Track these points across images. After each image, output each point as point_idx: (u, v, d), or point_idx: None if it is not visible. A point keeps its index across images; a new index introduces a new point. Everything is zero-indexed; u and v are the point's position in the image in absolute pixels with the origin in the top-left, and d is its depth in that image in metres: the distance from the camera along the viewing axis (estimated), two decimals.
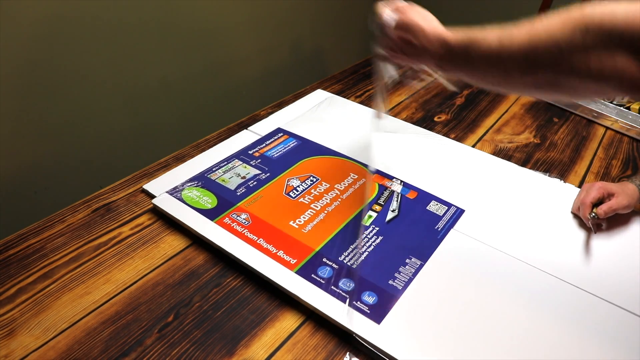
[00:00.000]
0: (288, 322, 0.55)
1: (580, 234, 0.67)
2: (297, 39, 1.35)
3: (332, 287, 0.57)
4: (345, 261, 0.60)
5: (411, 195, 0.72)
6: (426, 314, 0.55)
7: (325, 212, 0.68)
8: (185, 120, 1.11)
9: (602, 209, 0.65)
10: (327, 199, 0.70)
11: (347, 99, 0.99)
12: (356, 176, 0.75)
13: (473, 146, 0.88)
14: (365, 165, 0.77)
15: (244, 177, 0.74)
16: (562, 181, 0.78)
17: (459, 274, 0.60)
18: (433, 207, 0.70)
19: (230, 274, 0.60)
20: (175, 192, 0.70)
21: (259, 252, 0.61)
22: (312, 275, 0.58)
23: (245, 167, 0.76)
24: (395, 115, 0.95)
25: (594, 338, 0.53)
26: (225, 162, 0.77)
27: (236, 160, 0.78)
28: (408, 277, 0.59)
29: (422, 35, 0.53)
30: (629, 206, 0.66)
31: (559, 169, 0.83)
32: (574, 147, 0.90)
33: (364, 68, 1.14)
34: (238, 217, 0.66)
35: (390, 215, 0.68)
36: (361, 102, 0.99)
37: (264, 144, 0.82)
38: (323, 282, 0.57)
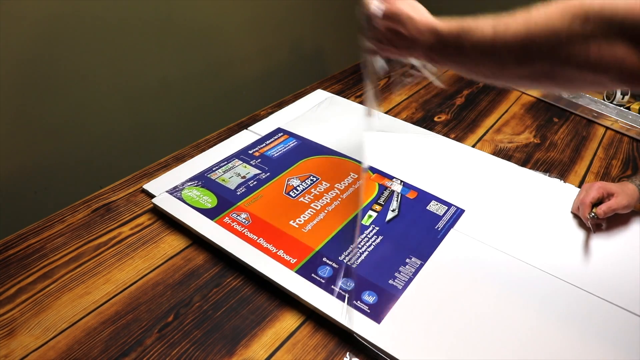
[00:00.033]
0: (288, 322, 0.55)
1: (580, 234, 0.67)
2: (297, 39, 1.35)
3: (332, 286, 0.57)
4: (345, 261, 0.60)
5: (411, 195, 0.72)
6: (426, 314, 0.55)
7: (325, 211, 0.68)
8: (185, 120, 1.11)
9: (601, 209, 0.65)
10: (327, 199, 0.70)
11: (347, 99, 0.99)
12: (356, 176, 0.75)
13: (473, 146, 0.88)
14: (361, 163, 0.77)
15: (244, 177, 0.74)
16: (562, 181, 0.78)
17: (459, 273, 0.60)
18: (433, 207, 0.70)
19: (230, 274, 0.60)
20: (175, 191, 0.70)
21: (259, 251, 0.61)
22: (312, 275, 0.58)
23: (245, 167, 0.76)
24: (395, 115, 0.95)
25: (593, 338, 0.53)
26: (225, 162, 0.77)
27: (236, 159, 0.78)
28: (408, 277, 0.59)
29: (411, 25, 0.51)
30: (628, 206, 0.66)
31: (559, 169, 0.83)
32: (574, 147, 0.90)
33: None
34: (238, 217, 0.66)
35: (390, 215, 0.68)
36: (361, 102, 0.99)
37: (264, 144, 0.82)
38: (323, 281, 0.57)
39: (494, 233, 0.66)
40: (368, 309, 0.54)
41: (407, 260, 0.61)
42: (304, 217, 0.66)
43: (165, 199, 0.68)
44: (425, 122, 0.95)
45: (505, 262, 0.62)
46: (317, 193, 0.71)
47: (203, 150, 0.81)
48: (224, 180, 0.73)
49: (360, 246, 0.62)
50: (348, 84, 1.07)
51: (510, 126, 0.95)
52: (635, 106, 1.00)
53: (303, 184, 0.73)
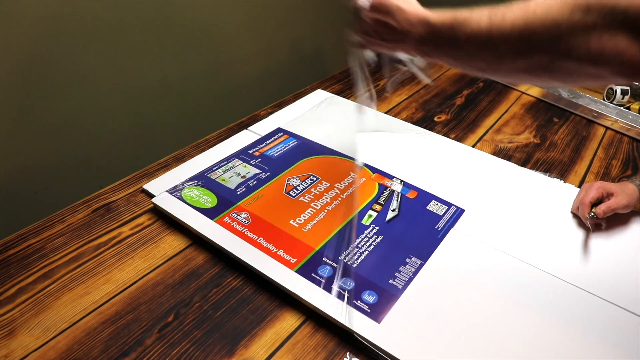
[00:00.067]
0: (288, 322, 0.55)
1: (580, 234, 0.67)
2: (297, 39, 1.35)
3: (332, 286, 0.57)
4: (345, 260, 0.60)
5: (411, 194, 0.72)
6: (426, 313, 0.55)
7: (325, 211, 0.68)
8: (185, 120, 1.11)
9: (600, 209, 0.65)
10: (327, 198, 0.70)
11: (347, 99, 0.99)
12: (356, 175, 0.75)
13: (473, 146, 0.88)
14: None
15: (244, 177, 0.74)
16: (562, 181, 0.78)
17: (459, 273, 0.60)
18: (433, 206, 0.70)
19: (230, 274, 0.60)
20: (175, 191, 0.70)
21: (259, 251, 0.61)
22: (312, 275, 0.58)
23: (245, 167, 0.76)
24: (395, 115, 0.95)
25: (593, 338, 0.53)
26: (225, 162, 0.77)
27: (236, 159, 0.78)
28: (408, 277, 0.59)
29: (401, 16, 0.48)
30: (628, 206, 0.66)
31: (559, 169, 0.83)
32: (574, 147, 0.90)
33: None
34: (238, 216, 0.66)
35: (390, 215, 0.68)
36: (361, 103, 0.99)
37: (264, 144, 0.82)
38: (323, 281, 0.57)
39: (494, 233, 0.66)
40: (368, 308, 0.54)
41: (407, 260, 0.61)
42: (304, 216, 0.66)
43: (165, 199, 0.68)
44: (425, 122, 0.95)
45: (505, 262, 0.62)
46: (317, 193, 0.71)
47: (203, 150, 0.81)
48: (224, 180, 0.73)
49: (360, 246, 0.62)
50: (348, 84, 1.07)
51: (510, 126, 0.95)
52: (635, 106, 1.00)
53: (303, 183, 0.73)
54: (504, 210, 0.71)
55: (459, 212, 0.69)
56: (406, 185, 0.74)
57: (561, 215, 0.70)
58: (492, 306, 0.56)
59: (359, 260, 0.60)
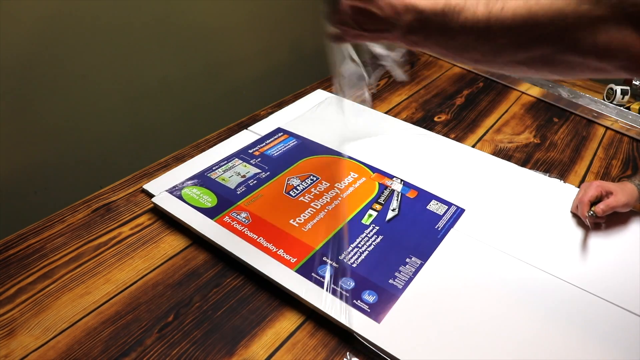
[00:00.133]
0: (288, 322, 0.55)
1: (580, 234, 0.67)
2: (297, 39, 1.35)
3: (333, 285, 0.57)
4: (345, 260, 0.60)
5: (411, 194, 0.72)
6: (426, 313, 0.55)
7: (325, 210, 0.68)
8: (185, 120, 1.11)
9: (600, 207, 0.65)
10: (327, 198, 0.70)
11: (347, 99, 0.99)
12: (356, 175, 0.75)
13: (473, 146, 0.88)
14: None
15: (244, 176, 0.74)
16: (562, 181, 0.78)
17: (459, 273, 0.60)
18: (433, 206, 0.70)
19: (230, 274, 0.60)
20: (175, 190, 0.70)
21: (259, 250, 0.61)
22: (312, 274, 0.58)
23: (245, 166, 0.76)
24: (395, 115, 0.95)
25: (593, 338, 0.53)
26: (225, 161, 0.77)
27: (236, 159, 0.78)
28: (408, 277, 0.59)
29: (384, 2, 0.44)
30: (627, 204, 0.66)
31: (559, 169, 0.83)
32: (574, 147, 0.90)
33: (364, 67, 1.14)
34: (238, 216, 0.66)
35: (390, 215, 0.68)
36: (361, 102, 0.99)
37: (264, 143, 0.82)
38: (323, 281, 0.57)
39: (494, 233, 0.66)
40: (368, 308, 0.54)
41: (407, 259, 0.61)
42: (304, 216, 0.66)
43: (165, 198, 0.68)
44: (425, 122, 0.95)
45: (505, 262, 0.62)
46: (317, 192, 0.71)
47: (203, 150, 0.81)
48: (224, 180, 0.73)
49: (360, 246, 0.62)
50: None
51: (510, 126, 0.95)
52: (635, 106, 1.00)
53: (303, 183, 0.73)
54: (504, 210, 0.71)
55: (459, 212, 0.69)
56: (406, 184, 0.74)
57: (561, 215, 0.70)
58: (492, 306, 0.56)
59: (359, 260, 0.60)
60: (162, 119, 1.06)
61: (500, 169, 0.80)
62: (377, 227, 0.66)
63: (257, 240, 0.62)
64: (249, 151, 0.80)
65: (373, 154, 0.80)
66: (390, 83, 1.09)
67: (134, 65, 0.95)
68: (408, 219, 0.67)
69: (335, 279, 0.58)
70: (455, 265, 0.61)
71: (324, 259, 0.60)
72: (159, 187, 0.71)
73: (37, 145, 0.85)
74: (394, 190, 0.73)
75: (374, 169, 0.77)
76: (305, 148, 0.81)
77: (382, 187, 0.73)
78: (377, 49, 0.54)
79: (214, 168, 0.75)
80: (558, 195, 0.73)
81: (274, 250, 0.61)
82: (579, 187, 0.76)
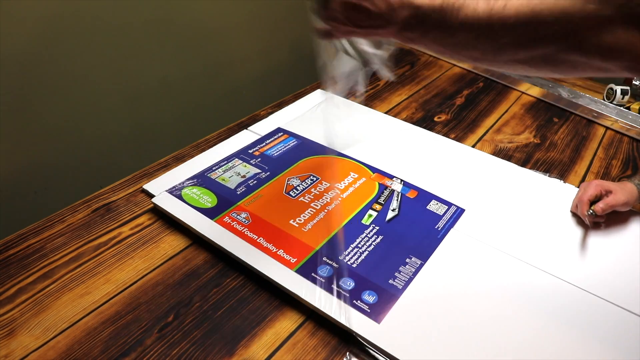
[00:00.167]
0: (288, 322, 0.55)
1: (580, 234, 0.67)
2: (297, 39, 1.35)
3: (332, 286, 0.57)
4: (345, 260, 0.60)
5: (411, 194, 0.72)
6: (426, 313, 0.55)
7: (325, 211, 0.68)
8: (185, 120, 1.11)
9: (599, 206, 0.65)
10: (327, 198, 0.70)
11: (347, 99, 0.99)
12: (356, 175, 0.75)
13: (473, 146, 0.88)
14: (364, 164, 0.77)
15: (244, 176, 0.74)
16: (562, 181, 0.78)
17: (459, 273, 0.60)
18: (433, 206, 0.70)
19: (230, 274, 0.60)
20: (175, 190, 0.70)
21: (259, 251, 0.61)
22: (312, 274, 0.58)
23: (245, 166, 0.76)
24: (395, 115, 0.95)
25: (593, 338, 0.53)
26: (225, 161, 0.77)
27: (236, 159, 0.78)
28: (408, 277, 0.59)
29: None
30: (627, 203, 0.66)
31: (559, 169, 0.83)
32: (574, 147, 0.90)
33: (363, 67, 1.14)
34: (238, 216, 0.66)
35: (390, 215, 0.68)
36: (361, 102, 0.99)
37: (264, 143, 0.82)
38: (323, 281, 0.57)
39: (494, 233, 0.66)
40: (368, 308, 0.54)
41: (407, 260, 0.61)
42: (304, 216, 0.66)
43: (165, 198, 0.68)
44: (425, 122, 0.95)
45: (505, 262, 0.62)
46: (317, 193, 0.71)
47: (203, 150, 0.81)
48: (224, 180, 0.73)
49: (360, 246, 0.62)
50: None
51: (510, 126, 0.95)
52: (635, 106, 1.00)
53: (303, 183, 0.73)
54: (504, 210, 0.71)
55: (459, 212, 0.69)
56: (406, 185, 0.74)
57: (561, 215, 0.70)
58: (492, 306, 0.56)
59: (359, 260, 0.60)
60: (162, 119, 1.06)
61: (500, 169, 0.80)
62: (377, 227, 0.66)
63: (257, 240, 0.62)
64: (249, 151, 0.80)
65: (373, 154, 0.80)
66: (391, 83, 1.09)
67: (134, 65, 0.95)
68: (408, 219, 0.67)
69: (335, 279, 0.58)
70: (455, 265, 0.61)
71: (324, 259, 0.60)
72: (159, 187, 0.71)
73: (37, 145, 0.85)
74: (394, 191, 0.73)
75: (373, 169, 0.77)
76: (305, 148, 0.81)
77: (382, 187, 0.73)
78: (364, 46, 0.52)
79: (214, 168, 0.75)
80: (558, 195, 0.73)
81: (274, 250, 0.61)
82: (578, 187, 0.76)
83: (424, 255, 0.62)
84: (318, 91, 1.01)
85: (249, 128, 0.87)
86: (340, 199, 0.70)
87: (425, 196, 0.72)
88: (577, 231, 0.68)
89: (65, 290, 0.57)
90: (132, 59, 0.94)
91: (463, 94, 1.06)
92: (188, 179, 0.72)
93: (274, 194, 0.71)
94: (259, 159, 0.78)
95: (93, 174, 0.95)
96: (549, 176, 0.79)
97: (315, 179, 0.74)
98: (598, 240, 0.66)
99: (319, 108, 0.94)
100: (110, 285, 0.58)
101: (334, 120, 0.76)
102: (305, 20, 1.36)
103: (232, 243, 0.62)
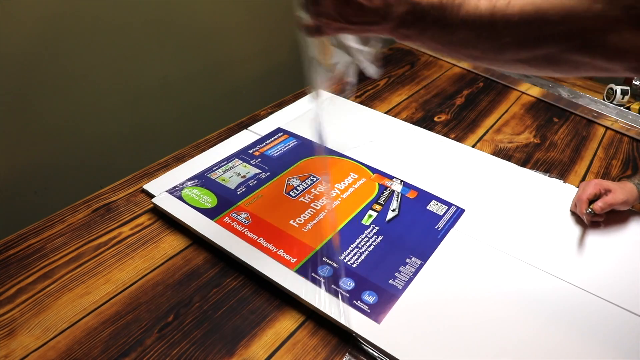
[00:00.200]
0: (288, 322, 0.55)
1: (580, 234, 0.67)
2: (297, 39, 1.35)
3: (333, 286, 0.57)
4: (345, 260, 0.60)
5: (411, 194, 0.72)
6: (426, 314, 0.55)
7: (326, 211, 0.68)
8: (185, 120, 1.11)
9: (598, 205, 0.65)
10: (332, 194, 0.70)
11: (347, 99, 0.99)
12: (356, 176, 0.75)
13: (473, 146, 0.88)
14: (364, 165, 0.77)
15: (244, 177, 0.74)
16: (562, 181, 0.78)
17: (459, 273, 0.60)
18: (433, 206, 0.70)
19: (230, 274, 0.60)
20: (175, 191, 0.70)
21: (259, 251, 0.61)
22: (312, 275, 0.58)
23: (246, 167, 0.76)
24: (395, 115, 0.95)
25: (593, 338, 0.53)
26: (225, 162, 0.77)
27: (236, 159, 0.78)
28: (408, 277, 0.59)
29: None
30: (626, 202, 0.66)
31: (559, 169, 0.83)
32: (574, 147, 0.90)
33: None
34: (238, 217, 0.66)
35: (390, 215, 0.68)
36: (361, 102, 0.99)
37: (264, 144, 0.82)
38: (323, 281, 0.57)
39: (494, 233, 0.66)
40: (368, 309, 0.54)
41: (407, 260, 0.61)
42: (304, 216, 0.66)
43: (165, 199, 0.68)
44: (425, 122, 0.95)
45: (506, 262, 0.62)
46: (317, 193, 0.71)
47: (203, 150, 0.81)
48: (224, 180, 0.73)
49: (360, 246, 0.62)
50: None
51: (510, 126, 0.95)
52: (635, 106, 1.00)
53: (303, 183, 0.73)
54: (504, 210, 0.71)
55: (459, 212, 0.69)
56: (406, 185, 0.74)
57: (561, 215, 0.70)
58: (492, 306, 0.56)
59: (359, 260, 0.60)
60: (162, 119, 1.06)
61: (500, 169, 0.80)
62: (377, 228, 0.66)
63: (257, 240, 0.62)
64: (249, 151, 0.80)
65: (373, 155, 0.80)
66: (391, 83, 1.09)
67: (134, 65, 0.95)
68: (408, 220, 0.67)
69: (335, 279, 0.58)
70: (456, 265, 0.61)
71: (324, 259, 0.60)
72: (159, 188, 0.71)
73: (37, 145, 0.85)
74: (393, 191, 0.73)
75: (373, 170, 0.77)
76: (305, 148, 0.81)
77: (382, 188, 0.73)
78: (350, 42, 0.49)
79: (214, 168, 0.75)
80: (558, 196, 0.73)
81: (274, 250, 0.61)
82: (578, 187, 0.76)
83: (424, 256, 0.62)
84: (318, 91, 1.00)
85: (249, 128, 0.87)
86: (340, 199, 0.70)
87: (425, 196, 0.72)
88: (577, 231, 0.68)
89: (65, 290, 0.57)
90: (132, 59, 0.94)
91: (463, 94, 1.06)
92: (188, 179, 0.72)
93: (274, 194, 0.71)
94: (259, 159, 0.78)
95: (93, 174, 0.95)
96: (549, 176, 0.79)
97: (315, 179, 0.74)
98: (598, 240, 0.66)
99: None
100: (110, 285, 0.58)
101: (324, 118, 0.73)
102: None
103: (232, 243, 0.62)
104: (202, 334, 0.53)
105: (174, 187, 0.70)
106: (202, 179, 0.73)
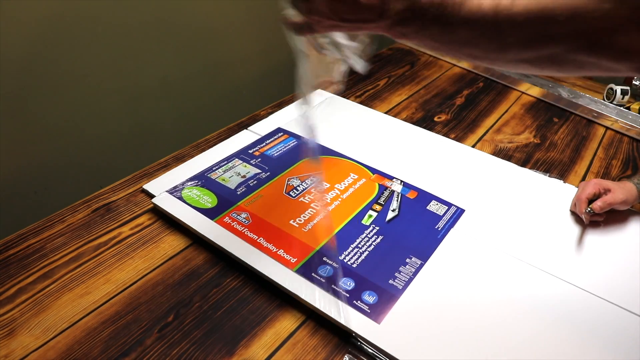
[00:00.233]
0: (288, 322, 0.55)
1: (580, 234, 0.67)
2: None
3: (333, 286, 0.57)
4: (345, 260, 0.60)
5: (411, 195, 0.72)
6: (426, 314, 0.55)
7: (326, 211, 0.68)
8: (185, 120, 1.11)
9: (597, 204, 0.65)
10: (327, 199, 0.70)
11: (347, 99, 0.99)
12: (356, 176, 0.75)
13: (473, 146, 0.88)
14: (364, 165, 0.77)
15: (244, 176, 0.74)
16: (562, 181, 0.78)
17: (459, 273, 0.60)
18: (433, 206, 0.70)
19: (230, 274, 0.60)
20: (175, 191, 0.70)
21: (259, 251, 0.61)
22: (312, 275, 0.58)
23: (246, 166, 0.76)
24: (395, 115, 0.95)
25: (594, 338, 0.53)
26: (226, 162, 0.77)
27: (236, 159, 0.78)
28: (408, 277, 0.59)
29: None
30: (625, 202, 0.66)
31: (559, 169, 0.83)
32: (574, 147, 0.90)
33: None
34: (238, 217, 0.66)
35: (390, 215, 0.68)
36: (361, 102, 0.99)
37: (264, 143, 0.82)
38: (323, 281, 0.57)
39: (494, 233, 0.66)
40: (368, 309, 0.54)
41: (407, 260, 0.61)
42: (304, 216, 0.66)
43: (165, 199, 0.68)
44: (425, 122, 0.95)
45: (506, 262, 0.62)
46: (317, 193, 0.71)
47: (203, 150, 0.81)
48: (224, 180, 0.73)
49: (360, 246, 0.62)
50: (348, 84, 1.07)
51: (510, 126, 0.95)
52: (635, 106, 1.00)
53: (303, 184, 0.73)
54: (504, 210, 0.71)
55: (459, 212, 0.69)
56: (406, 185, 0.74)
57: (561, 215, 0.70)
58: (492, 306, 0.56)
59: (359, 260, 0.60)
60: (162, 119, 1.06)
61: (500, 169, 0.80)
62: (377, 228, 0.66)
63: (257, 240, 0.62)
64: (249, 151, 0.80)
65: (373, 155, 0.80)
66: (391, 83, 1.09)
67: (134, 65, 0.95)
68: (408, 220, 0.67)
69: (335, 279, 0.58)
70: (456, 265, 0.61)
71: (324, 259, 0.60)
72: (159, 188, 0.71)
73: (37, 146, 0.85)
74: (394, 191, 0.73)
75: (373, 170, 0.77)
76: (306, 148, 0.81)
77: (382, 188, 0.73)
78: (337, 37, 0.47)
79: (214, 168, 0.75)
80: (558, 196, 0.73)
81: (274, 250, 0.61)
82: (578, 187, 0.76)
83: (424, 256, 0.62)
84: (318, 91, 1.01)
85: (249, 128, 0.87)
86: (340, 199, 0.70)
87: (425, 196, 0.72)
88: (577, 231, 0.68)
89: (65, 290, 0.57)
90: (132, 59, 0.94)
91: (463, 94, 1.06)
92: (188, 179, 0.72)
93: (274, 194, 0.71)
94: (259, 159, 0.78)
95: (93, 174, 0.95)
96: (549, 176, 0.79)
97: (315, 179, 0.74)
98: (598, 240, 0.66)
99: (319, 108, 0.94)
100: (110, 285, 0.58)
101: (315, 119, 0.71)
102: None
103: (232, 243, 0.62)
104: (202, 334, 0.53)
105: (174, 187, 0.70)
106: (202, 179, 0.73)
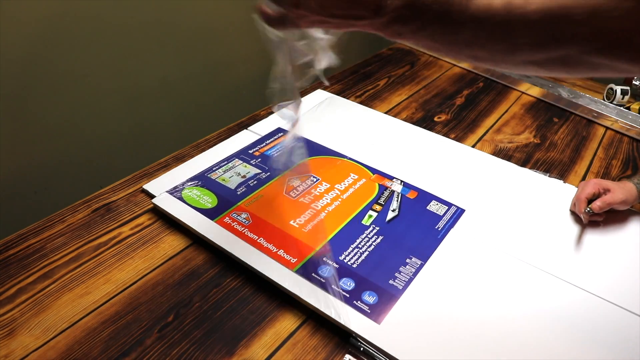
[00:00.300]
0: (288, 322, 0.55)
1: (580, 234, 0.67)
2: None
3: (333, 286, 0.57)
4: (345, 261, 0.60)
5: (411, 195, 0.72)
6: (426, 314, 0.55)
7: (326, 211, 0.68)
8: (185, 120, 1.11)
9: (596, 204, 0.65)
10: (327, 199, 0.70)
11: (347, 99, 0.99)
12: (356, 176, 0.75)
13: (473, 146, 0.88)
14: (364, 165, 0.77)
15: (244, 177, 0.74)
16: (562, 181, 0.78)
17: (460, 273, 0.60)
18: (433, 206, 0.70)
19: (230, 274, 0.60)
20: (175, 191, 0.70)
21: (259, 251, 0.61)
22: (313, 275, 0.58)
23: (246, 167, 0.76)
24: (395, 115, 0.95)
25: (594, 338, 0.53)
26: (226, 162, 0.77)
27: (236, 159, 0.78)
28: (408, 277, 0.59)
29: None
30: (625, 202, 0.66)
31: (559, 169, 0.83)
32: (574, 147, 0.90)
33: (364, 68, 1.14)
34: (238, 217, 0.66)
35: (390, 215, 0.68)
36: (361, 102, 0.99)
37: (264, 144, 0.82)
38: (323, 281, 0.57)
39: (495, 233, 0.66)
40: (368, 309, 0.54)
41: (407, 260, 0.61)
42: (304, 217, 0.66)
43: (165, 199, 0.68)
44: (425, 122, 0.95)
45: (505, 262, 0.62)
46: (318, 193, 0.71)
47: (203, 150, 0.81)
48: (224, 180, 0.73)
49: (360, 246, 0.62)
50: (348, 84, 1.07)
51: (510, 126, 0.95)
52: (635, 106, 1.00)
53: (303, 184, 0.73)
54: (504, 210, 0.71)
55: (459, 212, 0.69)
56: (406, 185, 0.74)
57: (561, 215, 0.70)
58: (493, 306, 0.56)
59: (359, 260, 0.60)
60: (162, 119, 1.06)
61: (500, 169, 0.80)
62: (377, 228, 0.66)
63: (258, 240, 0.62)
64: (249, 151, 0.80)
65: (373, 155, 0.80)
66: (391, 83, 1.09)
67: (134, 65, 0.95)
68: (408, 220, 0.67)
69: (335, 279, 0.58)
70: (456, 265, 0.61)
71: (324, 259, 0.60)
72: (159, 188, 0.71)
73: (37, 146, 0.85)
74: (394, 191, 0.73)
75: (373, 170, 0.77)
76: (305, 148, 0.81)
77: (382, 188, 0.73)
78: (318, 32, 0.43)
79: (214, 168, 0.75)
80: (558, 196, 0.73)
81: (274, 250, 0.61)
82: (578, 187, 0.76)
83: (424, 256, 0.62)
84: (318, 91, 1.01)
85: (249, 128, 0.87)
86: (340, 200, 0.70)
87: (425, 197, 0.72)
88: (577, 231, 0.68)
89: (65, 290, 0.57)
90: (132, 59, 0.94)
91: (463, 94, 1.06)
92: (188, 180, 0.72)
93: (274, 194, 0.71)
94: (259, 159, 0.78)
95: (93, 174, 0.95)
96: (549, 176, 0.79)
97: (315, 179, 0.74)
98: (598, 240, 0.66)
99: (319, 108, 0.94)
100: (110, 285, 0.58)
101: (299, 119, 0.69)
102: None
103: (232, 243, 0.62)
104: (202, 334, 0.53)
105: (174, 188, 0.70)
106: (202, 179, 0.73)
